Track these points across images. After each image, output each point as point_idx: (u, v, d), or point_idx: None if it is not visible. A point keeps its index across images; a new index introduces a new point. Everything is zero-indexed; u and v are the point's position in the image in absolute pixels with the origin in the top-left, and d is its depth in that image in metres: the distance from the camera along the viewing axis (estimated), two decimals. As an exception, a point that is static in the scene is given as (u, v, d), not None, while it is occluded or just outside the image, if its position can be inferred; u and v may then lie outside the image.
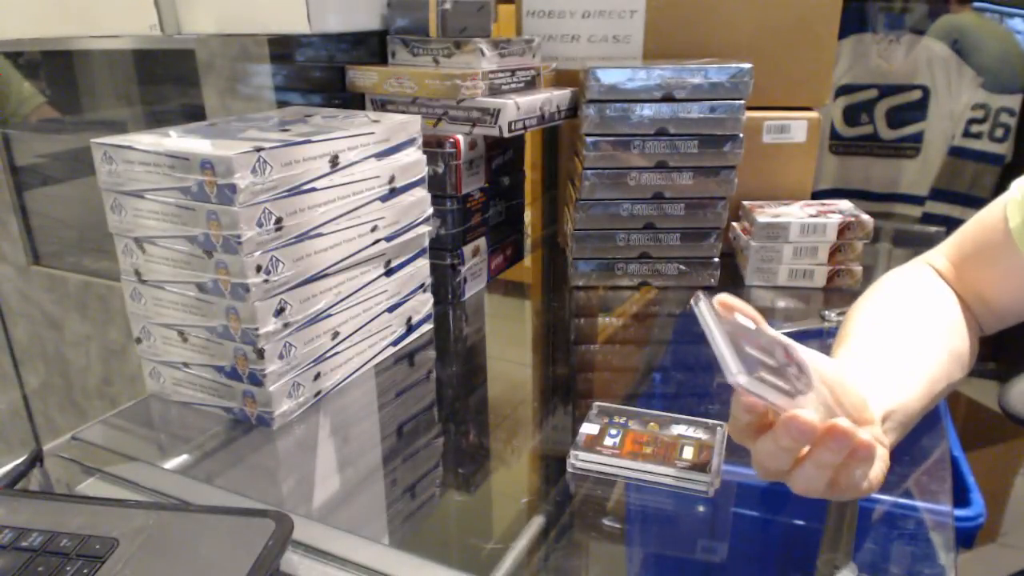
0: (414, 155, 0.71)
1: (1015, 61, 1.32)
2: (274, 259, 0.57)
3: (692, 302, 0.42)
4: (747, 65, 0.81)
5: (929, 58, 1.35)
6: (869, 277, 0.90)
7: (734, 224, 0.95)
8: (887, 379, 0.49)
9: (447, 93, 0.79)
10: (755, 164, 0.91)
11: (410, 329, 0.76)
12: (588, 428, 0.57)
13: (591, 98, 0.82)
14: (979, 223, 0.62)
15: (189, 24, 0.82)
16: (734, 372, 0.38)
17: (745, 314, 0.44)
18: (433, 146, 0.79)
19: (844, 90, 1.42)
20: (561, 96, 0.87)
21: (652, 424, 0.57)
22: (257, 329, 0.56)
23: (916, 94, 1.38)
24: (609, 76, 0.81)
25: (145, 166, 0.56)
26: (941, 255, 0.64)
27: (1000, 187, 0.60)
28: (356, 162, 0.64)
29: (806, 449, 0.40)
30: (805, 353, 0.44)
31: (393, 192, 0.69)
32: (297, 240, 0.58)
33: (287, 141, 0.57)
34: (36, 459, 0.55)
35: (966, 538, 0.74)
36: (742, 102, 0.82)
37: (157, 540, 0.43)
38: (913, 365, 0.52)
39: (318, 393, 0.64)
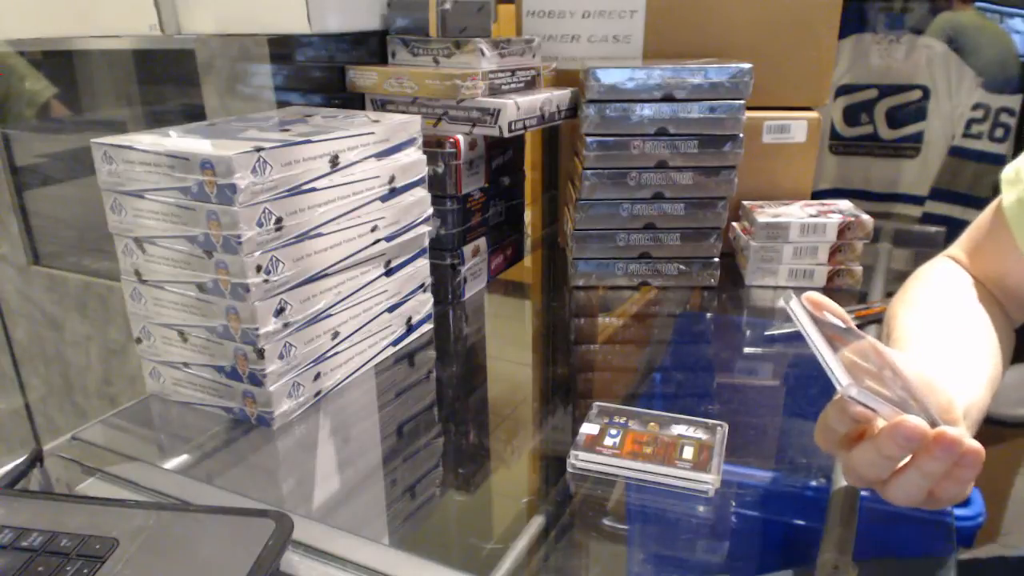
0: (414, 155, 0.71)
1: (1013, 61, 1.32)
2: (274, 259, 0.57)
3: (784, 301, 0.41)
4: (747, 65, 0.81)
5: (929, 58, 1.35)
6: (869, 277, 0.90)
7: (734, 224, 0.95)
8: (959, 377, 0.48)
9: (447, 93, 0.79)
10: (755, 164, 0.91)
11: (410, 329, 0.76)
12: (588, 428, 0.57)
13: (591, 98, 0.82)
14: (986, 210, 0.62)
15: (189, 24, 0.82)
16: (844, 384, 0.36)
17: (835, 313, 0.43)
18: (433, 146, 0.79)
19: (844, 90, 1.42)
20: (561, 96, 0.87)
21: (652, 424, 0.57)
22: (257, 329, 0.56)
23: (916, 94, 1.38)
24: (609, 76, 0.81)
25: (145, 166, 0.56)
26: (959, 248, 0.64)
27: (1000, 187, 0.60)
28: (356, 162, 0.64)
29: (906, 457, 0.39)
30: (892, 353, 0.43)
31: (393, 192, 0.69)
32: (297, 240, 0.58)
33: (287, 141, 0.57)
34: (36, 459, 0.55)
35: (966, 538, 0.74)
36: (742, 102, 0.82)
37: (157, 540, 0.43)
38: (976, 362, 0.51)
39: (318, 393, 0.64)
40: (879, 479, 0.40)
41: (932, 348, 0.52)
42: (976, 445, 0.38)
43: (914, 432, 0.37)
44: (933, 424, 0.38)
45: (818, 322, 0.39)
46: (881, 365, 0.41)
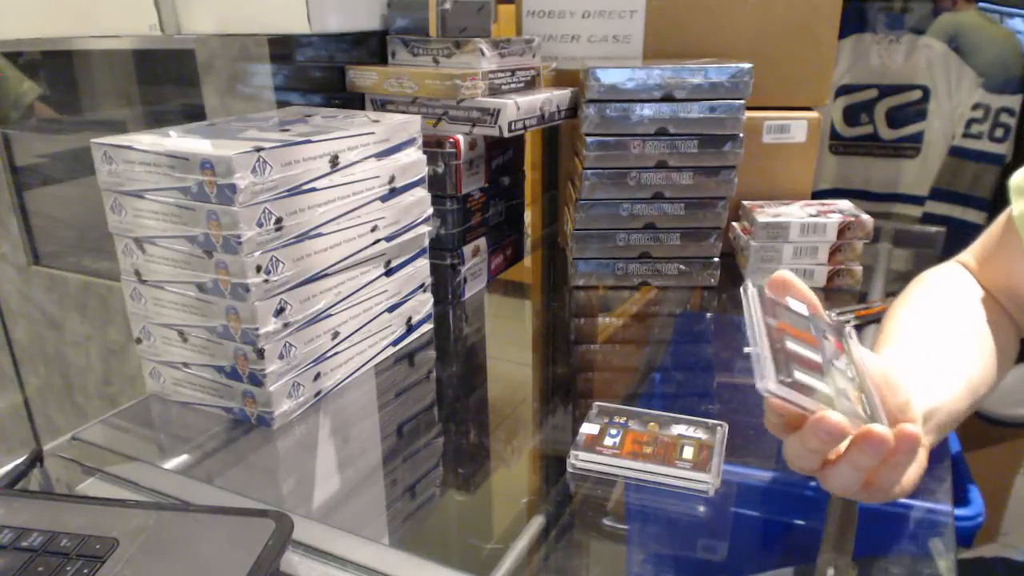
0: (414, 155, 0.71)
1: (1015, 61, 1.32)
2: (274, 259, 0.57)
3: (741, 290, 0.41)
4: (747, 65, 0.81)
5: (929, 58, 1.35)
6: (869, 277, 0.90)
7: (734, 224, 0.95)
8: (929, 378, 0.48)
9: (447, 93, 0.79)
10: (755, 164, 0.91)
11: (410, 329, 0.76)
12: (588, 428, 0.57)
13: (591, 98, 0.82)
14: (998, 219, 0.61)
15: (189, 24, 0.82)
16: (764, 377, 0.37)
17: (802, 296, 0.43)
18: (433, 146, 0.79)
19: (844, 90, 1.42)
20: (561, 96, 0.87)
21: (652, 424, 0.57)
22: (257, 329, 0.56)
23: (916, 94, 1.38)
24: (609, 76, 0.81)
25: (145, 166, 0.56)
26: (970, 255, 0.64)
27: (1000, 187, 0.60)
28: (356, 162, 0.64)
29: (843, 446, 0.40)
30: (855, 348, 0.43)
31: (393, 192, 0.69)
32: (297, 240, 0.58)
33: (287, 141, 0.57)
34: (36, 459, 0.55)
35: (966, 537, 0.74)
36: (742, 102, 0.82)
37: (157, 540, 0.43)
38: (956, 365, 0.51)
39: (318, 393, 0.64)
40: (811, 469, 0.41)
41: (910, 348, 0.52)
42: (911, 430, 0.38)
43: (834, 427, 0.37)
44: (872, 420, 0.39)
45: (772, 311, 0.39)
46: (837, 352, 0.41)
